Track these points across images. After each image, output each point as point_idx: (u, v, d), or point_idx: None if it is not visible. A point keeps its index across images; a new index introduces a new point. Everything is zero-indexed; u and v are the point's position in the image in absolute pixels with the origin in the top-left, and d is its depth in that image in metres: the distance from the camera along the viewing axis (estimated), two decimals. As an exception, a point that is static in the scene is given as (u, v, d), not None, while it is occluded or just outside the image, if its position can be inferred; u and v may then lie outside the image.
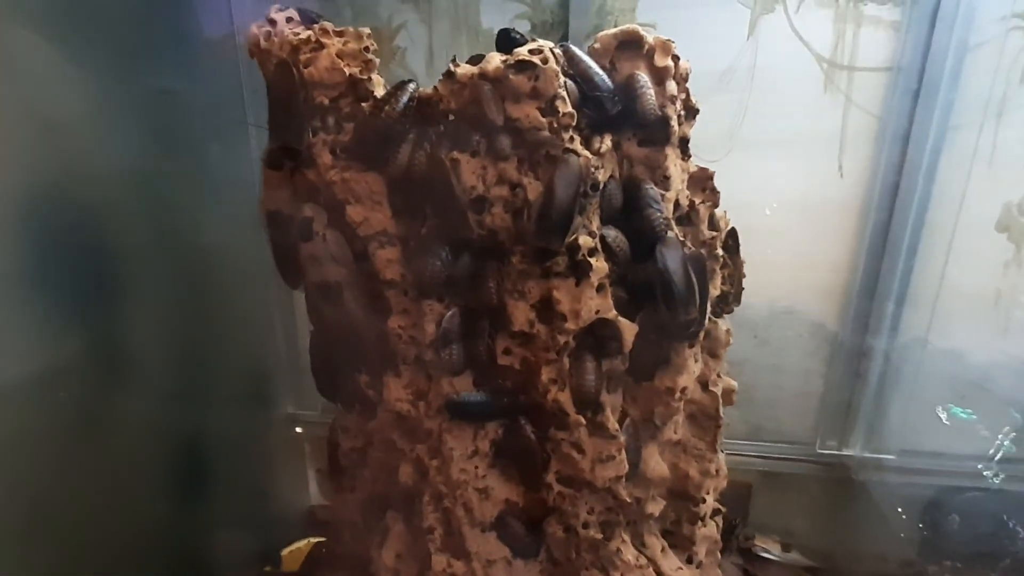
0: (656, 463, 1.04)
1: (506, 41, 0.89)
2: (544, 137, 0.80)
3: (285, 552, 1.67)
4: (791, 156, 1.52)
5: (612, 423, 0.93)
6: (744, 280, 1.20)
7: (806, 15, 1.44)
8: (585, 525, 0.98)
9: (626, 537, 1.03)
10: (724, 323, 1.07)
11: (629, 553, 1.02)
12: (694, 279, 0.89)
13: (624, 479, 0.96)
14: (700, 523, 1.13)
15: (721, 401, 1.10)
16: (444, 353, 0.93)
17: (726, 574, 1.39)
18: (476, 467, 0.99)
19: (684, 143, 0.94)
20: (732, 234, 1.05)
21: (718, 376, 1.11)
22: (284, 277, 1.06)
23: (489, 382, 0.95)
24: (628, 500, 0.97)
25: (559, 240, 0.83)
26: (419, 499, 1.02)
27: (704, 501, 1.12)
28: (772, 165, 1.53)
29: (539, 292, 0.87)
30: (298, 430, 1.81)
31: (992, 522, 1.69)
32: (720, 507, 1.21)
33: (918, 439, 1.66)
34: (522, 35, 0.91)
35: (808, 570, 1.71)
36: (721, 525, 1.22)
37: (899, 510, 1.71)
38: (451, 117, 0.83)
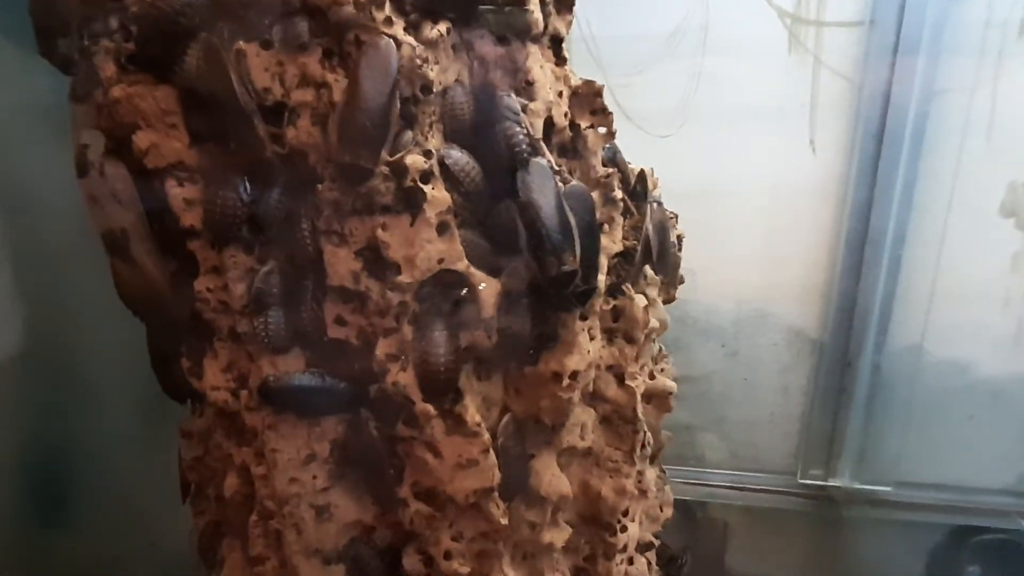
0: (553, 476, 0.81)
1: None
2: (348, 15, 0.60)
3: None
4: (754, 130, 1.31)
5: (472, 415, 0.71)
6: (680, 257, 0.99)
7: (762, -39, 1.25)
8: (447, 555, 0.75)
9: (511, 573, 0.79)
10: (640, 298, 0.84)
11: (512, 601, 0.78)
12: (571, 218, 0.67)
13: (495, 492, 0.73)
14: (620, 559, 0.88)
15: (640, 401, 0.87)
16: (259, 322, 0.71)
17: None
18: (314, 477, 0.77)
19: (556, 42, 0.74)
20: (641, 178, 0.83)
21: (640, 368, 0.88)
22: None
23: (325, 363, 0.74)
24: (503, 521, 0.74)
25: (370, 154, 0.62)
26: (238, 521, 0.80)
27: (623, 529, 0.88)
28: (732, 141, 1.31)
29: (364, 234, 0.66)
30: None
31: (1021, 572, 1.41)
32: (654, 539, 0.96)
33: (919, 468, 1.40)
34: None
35: (790, 625, 1.43)
36: (654, 563, 0.97)
37: (897, 553, 1.44)
38: (241, -1, 0.63)
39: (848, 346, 1.35)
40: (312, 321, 0.72)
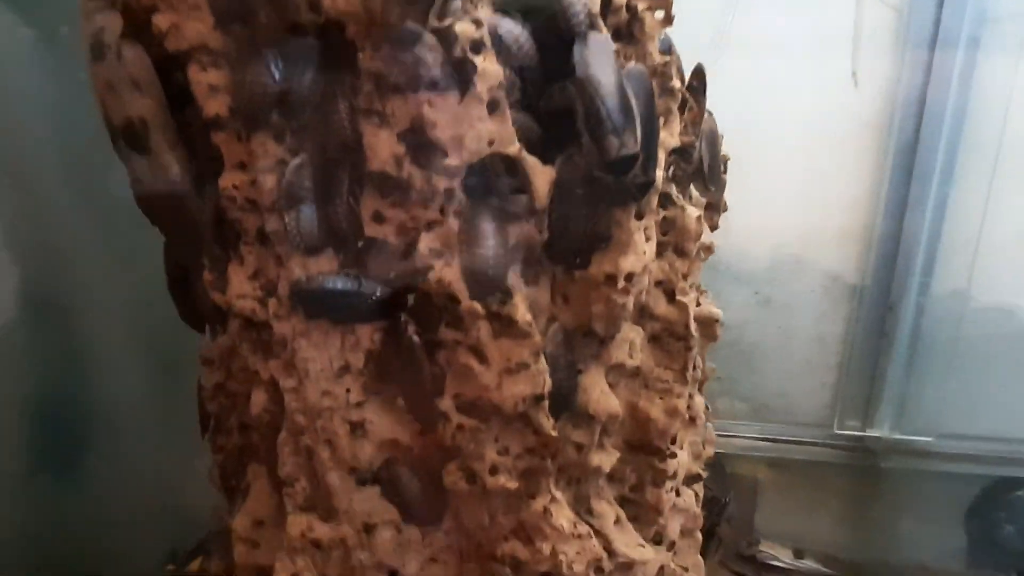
0: (602, 393, 0.76)
1: None
2: None
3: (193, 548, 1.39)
4: (794, 61, 1.25)
5: (523, 314, 0.66)
6: (726, 181, 0.93)
7: None
8: (493, 470, 0.70)
9: (558, 495, 0.74)
10: (692, 208, 0.79)
11: (563, 516, 0.73)
12: (632, 98, 0.62)
13: (546, 400, 0.68)
14: (669, 486, 0.83)
15: (694, 321, 0.82)
16: (290, 219, 0.66)
17: None
18: (347, 391, 0.72)
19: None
20: (699, 73, 0.78)
21: (689, 286, 0.83)
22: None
23: (359, 263, 0.68)
24: (552, 433, 0.69)
25: (418, 11, 0.56)
26: (269, 439, 0.75)
27: (673, 455, 0.83)
28: (769, 75, 1.26)
29: (407, 113, 0.60)
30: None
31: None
32: (700, 472, 0.92)
33: (961, 419, 1.35)
34: None
35: (826, 580, 1.38)
36: (701, 498, 0.92)
37: (938, 508, 1.39)
38: None
39: (890, 290, 1.30)
40: (347, 217, 0.67)
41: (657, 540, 0.85)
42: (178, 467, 1.45)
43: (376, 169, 0.63)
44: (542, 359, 0.67)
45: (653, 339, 0.83)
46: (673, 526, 0.86)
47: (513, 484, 0.70)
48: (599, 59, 0.61)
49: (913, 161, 1.22)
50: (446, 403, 0.70)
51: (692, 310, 0.81)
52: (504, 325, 0.67)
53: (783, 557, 1.42)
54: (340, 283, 0.68)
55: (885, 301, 1.30)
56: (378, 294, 0.68)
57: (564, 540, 0.73)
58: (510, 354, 0.67)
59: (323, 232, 0.67)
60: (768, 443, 1.42)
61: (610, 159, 0.62)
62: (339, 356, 0.71)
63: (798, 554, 1.42)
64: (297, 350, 0.70)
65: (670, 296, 0.81)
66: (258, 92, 0.63)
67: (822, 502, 1.44)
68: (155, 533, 1.39)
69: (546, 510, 0.72)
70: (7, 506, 1.11)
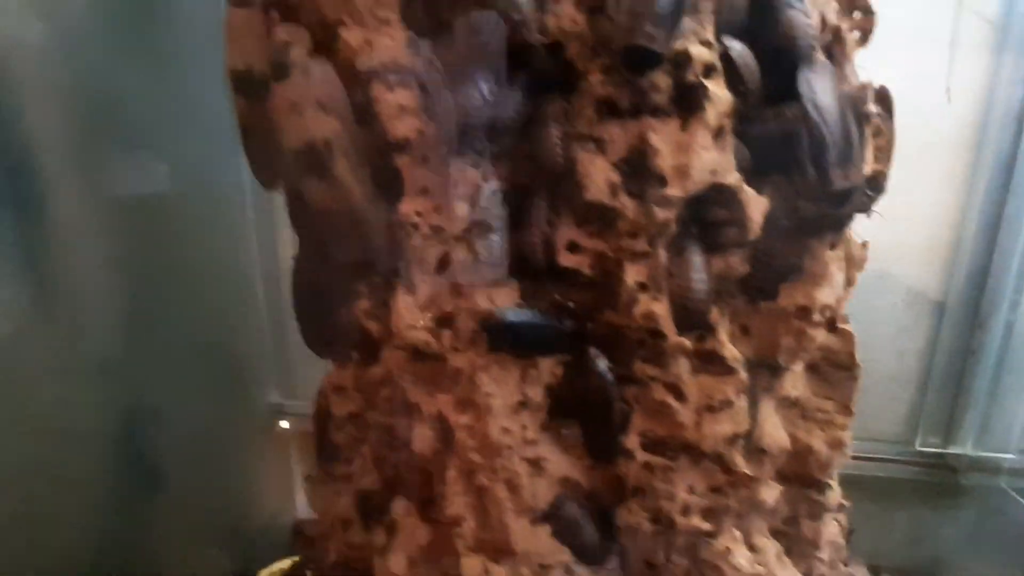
0: (774, 427, 0.73)
1: None
2: None
3: (264, 573, 1.35)
4: (886, 73, 1.23)
5: (729, 349, 0.63)
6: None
7: None
8: (685, 510, 0.67)
9: (737, 534, 0.71)
10: (854, 237, 0.77)
11: (742, 555, 0.71)
12: (853, 128, 0.60)
13: (742, 440, 0.66)
14: (827, 519, 0.81)
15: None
16: (480, 247, 0.63)
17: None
18: (524, 426, 0.68)
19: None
20: (883, 96, 0.75)
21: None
22: (257, 171, 0.77)
23: (544, 295, 0.65)
24: (747, 472, 0.66)
25: (664, 35, 0.53)
26: (442, 477, 0.71)
27: (831, 487, 0.80)
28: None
29: (626, 140, 0.57)
30: (283, 425, 1.49)
31: None
32: (844, 501, 0.89)
33: (1045, 436, 1.34)
34: None
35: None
36: (845, 527, 0.90)
37: (1020, 526, 1.38)
38: None
39: (979, 306, 1.29)
40: (541, 247, 0.63)
41: (808, 574, 0.83)
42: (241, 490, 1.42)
43: (590, 198, 0.59)
44: (743, 396, 0.65)
45: (810, 367, 0.80)
46: (824, 558, 0.84)
47: (707, 525, 0.67)
48: (824, 84, 0.59)
49: (1011, 177, 1.21)
50: (631, 440, 0.68)
51: (855, 339, 0.79)
52: (705, 361, 0.64)
53: (858, 574, 1.40)
54: (529, 315, 0.65)
55: (973, 317, 1.29)
56: (566, 326, 0.65)
57: (743, 580, 0.71)
58: (712, 391, 0.64)
59: (513, 261, 0.64)
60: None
61: (832, 190, 0.60)
62: (517, 391, 0.68)
63: (874, 571, 1.41)
64: (478, 385, 0.67)
65: (831, 325, 0.79)
66: (462, 116, 0.59)
67: (900, 519, 1.43)
68: (224, 550, 1.36)
69: (728, 549, 0.70)
70: (90, 518, 1.06)
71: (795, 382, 0.77)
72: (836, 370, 0.79)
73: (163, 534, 1.18)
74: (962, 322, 1.32)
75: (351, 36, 0.61)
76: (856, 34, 0.69)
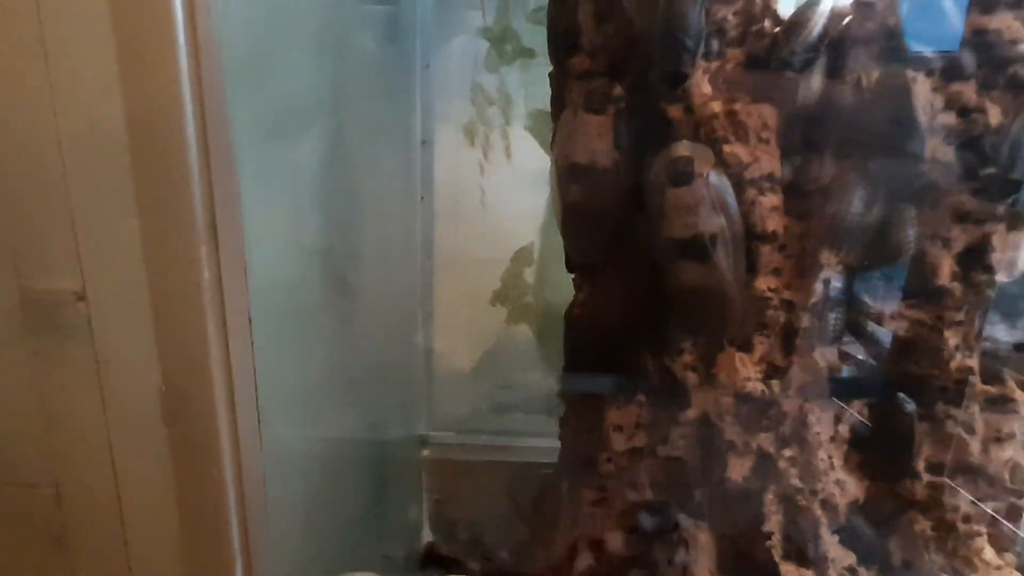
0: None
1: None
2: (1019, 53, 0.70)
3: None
4: None
5: (1020, 394, 0.82)
6: None
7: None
8: (966, 519, 0.86)
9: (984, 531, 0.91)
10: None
11: (989, 552, 0.90)
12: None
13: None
14: None
15: None
16: (831, 318, 0.80)
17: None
18: (830, 456, 0.86)
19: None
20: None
21: None
22: (575, 242, 0.91)
23: (862, 352, 0.83)
24: (1016, 488, 0.86)
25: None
26: (747, 500, 0.88)
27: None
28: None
29: (966, 239, 0.76)
30: (424, 453, 1.60)
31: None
32: None
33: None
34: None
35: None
36: None
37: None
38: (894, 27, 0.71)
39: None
40: (870, 317, 0.81)
41: None
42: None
43: (935, 284, 0.77)
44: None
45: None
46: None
47: (983, 530, 0.86)
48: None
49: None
50: (919, 464, 0.86)
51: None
52: (992, 403, 0.83)
53: None
54: (855, 369, 0.82)
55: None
56: (883, 377, 0.83)
57: (989, 571, 0.90)
58: (998, 426, 0.83)
59: (849, 329, 0.82)
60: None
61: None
62: (830, 427, 0.85)
63: None
64: (807, 425, 0.84)
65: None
66: (841, 220, 0.76)
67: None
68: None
69: (982, 548, 0.89)
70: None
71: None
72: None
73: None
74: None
75: (743, 153, 0.77)
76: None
